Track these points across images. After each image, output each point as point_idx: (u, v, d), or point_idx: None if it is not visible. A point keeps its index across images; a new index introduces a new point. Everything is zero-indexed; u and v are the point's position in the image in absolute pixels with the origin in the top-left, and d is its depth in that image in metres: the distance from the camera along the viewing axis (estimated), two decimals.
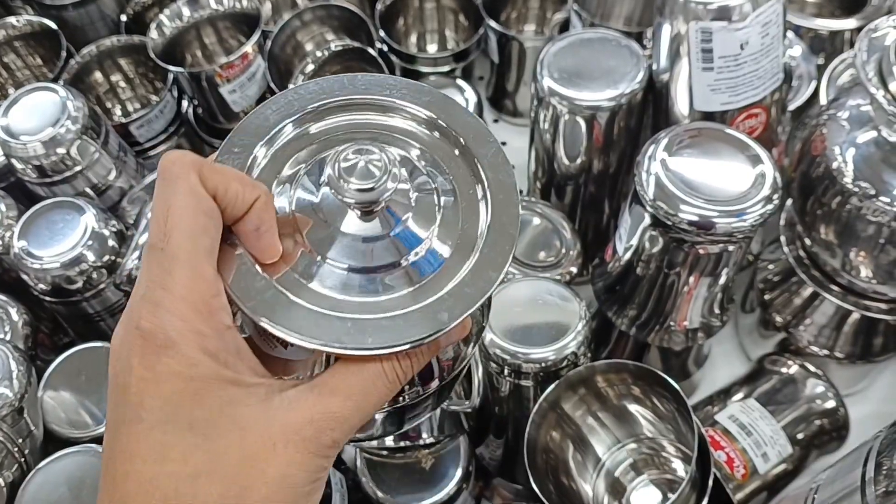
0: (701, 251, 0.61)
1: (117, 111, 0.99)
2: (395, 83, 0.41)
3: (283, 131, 0.39)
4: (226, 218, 0.34)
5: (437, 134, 0.40)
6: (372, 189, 0.35)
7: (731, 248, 0.60)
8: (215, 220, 0.33)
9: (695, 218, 0.59)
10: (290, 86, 0.80)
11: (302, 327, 0.33)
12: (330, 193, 0.36)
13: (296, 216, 0.37)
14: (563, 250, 0.74)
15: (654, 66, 0.71)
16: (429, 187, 0.38)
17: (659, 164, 0.61)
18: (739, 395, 0.73)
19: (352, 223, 0.36)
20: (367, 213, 0.36)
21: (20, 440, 0.63)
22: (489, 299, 0.44)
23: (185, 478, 0.30)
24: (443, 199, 0.38)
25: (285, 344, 0.37)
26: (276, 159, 0.39)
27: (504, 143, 1.00)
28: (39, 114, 0.76)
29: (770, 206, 0.59)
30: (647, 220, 0.62)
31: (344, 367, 0.34)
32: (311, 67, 0.79)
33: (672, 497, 0.57)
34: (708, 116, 0.68)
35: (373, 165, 0.35)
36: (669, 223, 0.60)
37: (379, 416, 0.42)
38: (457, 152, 0.39)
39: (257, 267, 0.35)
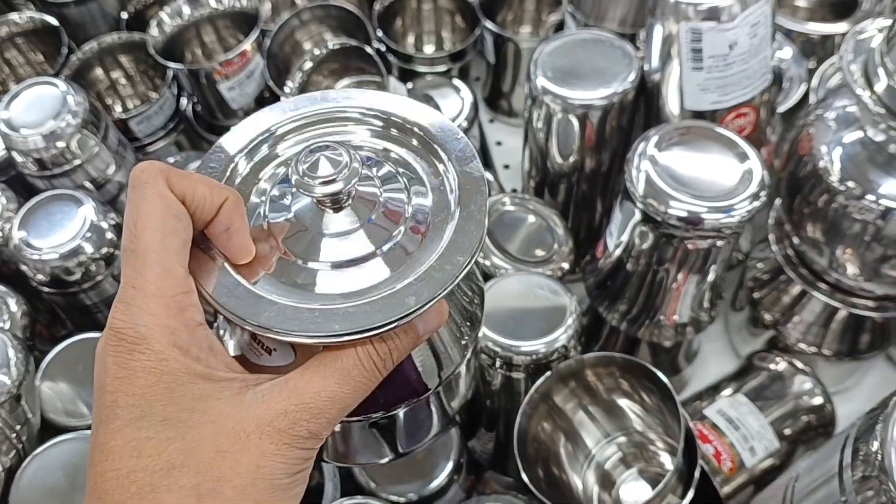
0: (690, 246, 0.62)
1: (117, 108, 1.00)
2: (365, 94, 0.42)
3: (258, 148, 0.41)
4: (197, 221, 0.35)
5: (405, 133, 0.41)
6: (334, 180, 0.36)
7: (719, 243, 0.62)
8: (184, 220, 0.34)
9: (684, 214, 0.60)
10: (284, 97, 0.81)
11: (269, 319, 0.34)
12: (300, 195, 0.37)
13: (270, 224, 0.38)
14: (556, 246, 0.75)
15: (646, 67, 0.72)
16: (396, 180, 0.39)
17: (649, 161, 0.62)
18: (728, 391, 0.74)
19: (324, 220, 0.37)
20: (336, 206, 0.37)
21: (18, 426, 0.63)
22: (477, 294, 0.45)
23: (159, 471, 0.31)
24: (412, 189, 0.39)
25: (269, 350, 0.38)
26: (253, 172, 0.40)
27: (499, 143, 1.02)
28: (40, 107, 0.77)
29: (757, 203, 0.61)
30: (637, 216, 0.63)
31: (319, 359, 0.34)
32: (309, 65, 0.80)
33: (658, 487, 0.58)
34: (698, 116, 0.69)
35: (332, 159, 0.36)
36: (659, 219, 0.61)
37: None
38: (423, 148, 0.40)
39: (229, 267, 0.36)
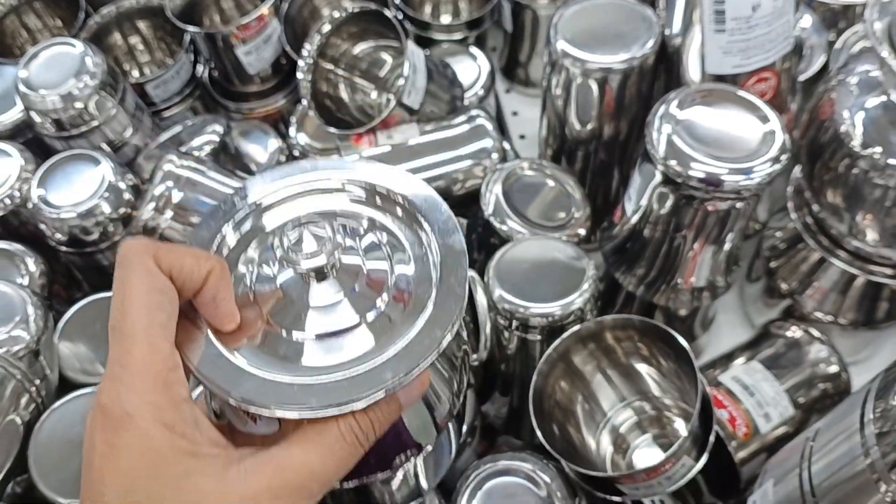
0: (710, 208, 0.61)
1: (135, 73, 1.00)
2: (353, 165, 0.44)
3: (246, 218, 0.42)
4: (184, 292, 0.36)
5: (389, 204, 0.42)
6: (318, 253, 0.37)
7: (738, 205, 0.61)
8: (170, 296, 0.35)
9: (704, 175, 0.59)
10: (301, 61, 0.81)
11: (248, 392, 0.35)
12: (284, 268, 0.38)
13: (256, 293, 0.39)
14: (573, 212, 0.75)
15: (667, 32, 0.72)
16: (379, 249, 0.40)
17: (670, 122, 0.62)
18: (743, 358, 0.74)
19: (308, 291, 0.38)
20: (321, 278, 0.38)
21: (37, 381, 0.64)
22: (462, 351, 0.46)
23: None
24: (395, 258, 0.40)
25: (255, 419, 0.38)
26: (241, 243, 0.42)
27: (515, 113, 1.01)
28: (58, 68, 0.78)
29: (778, 166, 0.60)
30: (658, 177, 0.62)
31: (302, 432, 0.35)
32: (327, 28, 0.80)
33: (673, 448, 0.58)
34: (719, 80, 0.68)
35: (316, 234, 0.37)
36: (679, 180, 0.60)
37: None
38: (407, 219, 0.41)
39: (213, 337, 0.37)
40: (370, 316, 0.38)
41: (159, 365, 0.33)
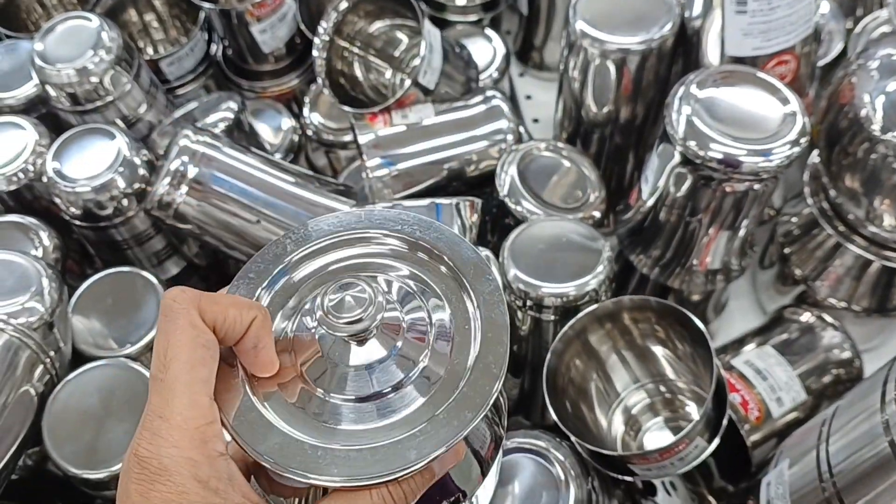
0: (728, 189, 0.61)
1: (149, 51, 1.00)
2: (407, 219, 0.42)
3: (298, 263, 0.41)
4: (226, 341, 0.36)
5: (442, 269, 0.40)
6: (360, 319, 0.36)
7: (756, 187, 0.61)
8: (212, 350, 0.35)
9: (723, 156, 0.59)
10: (316, 38, 0.81)
11: (271, 451, 0.35)
12: (322, 329, 0.37)
13: (295, 344, 0.39)
14: (588, 193, 0.74)
15: (687, 14, 0.72)
16: (422, 320, 0.39)
17: (689, 103, 0.61)
18: (755, 343, 0.74)
19: (348, 352, 0.37)
20: (360, 341, 0.37)
21: (51, 353, 0.64)
22: (498, 414, 0.44)
23: None
24: (434, 331, 0.39)
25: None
26: (286, 290, 0.41)
27: (529, 97, 1.01)
28: (74, 42, 0.77)
29: (797, 149, 0.60)
30: (676, 158, 0.62)
31: (334, 498, 0.35)
32: (344, 5, 0.79)
33: (686, 429, 0.58)
34: (739, 62, 0.68)
35: (356, 297, 0.36)
36: (698, 161, 0.60)
37: None
38: (456, 288, 0.40)
39: (249, 388, 0.37)
40: (405, 383, 0.37)
41: (198, 420, 0.34)
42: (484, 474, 0.43)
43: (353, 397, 0.37)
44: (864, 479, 0.45)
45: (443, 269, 0.41)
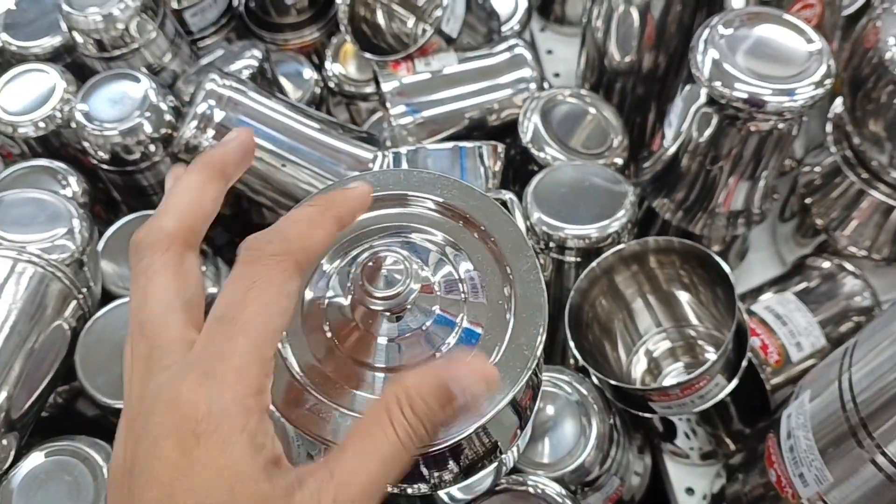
0: (752, 129, 0.61)
1: (173, 4, 1.00)
2: (447, 183, 0.41)
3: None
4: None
5: (476, 236, 0.40)
6: (397, 295, 0.35)
7: (781, 126, 0.61)
8: (293, 306, 0.33)
9: (748, 95, 0.59)
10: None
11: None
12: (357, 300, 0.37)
13: (330, 321, 0.38)
14: (611, 139, 0.75)
15: None
16: (456, 293, 0.38)
17: (714, 44, 0.61)
18: (775, 290, 0.74)
19: (382, 325, 0.37)
20: (397, 315, 0.37)
21: (84, 289, 0.65)
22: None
23: None
24: (467, 308, 0.38)
25: None
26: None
27: (550, 52, 1.01)
28: None
29: (821, 90, 0.60)
30: (702, 99, 0.63)
31: (355, 442, 0.32)
32: None
33: (706, 366, 0.59)
34: (764, 5, 0.68)
35: (393, 270, 0.36)
36: (723, 101, 0.60)
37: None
38: (493, 258, 0.39)
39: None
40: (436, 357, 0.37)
41: (260, 369, 0.31)
42: (522, 427, 0.42)
43: (388, 367, 0.37)
44: (889, 404, 0.46)
45: (476, 236, 0.40)
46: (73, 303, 0.64)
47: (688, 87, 0.64)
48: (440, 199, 0.41)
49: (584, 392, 0.60)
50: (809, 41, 0.61)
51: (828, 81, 0.60)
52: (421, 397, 0.32)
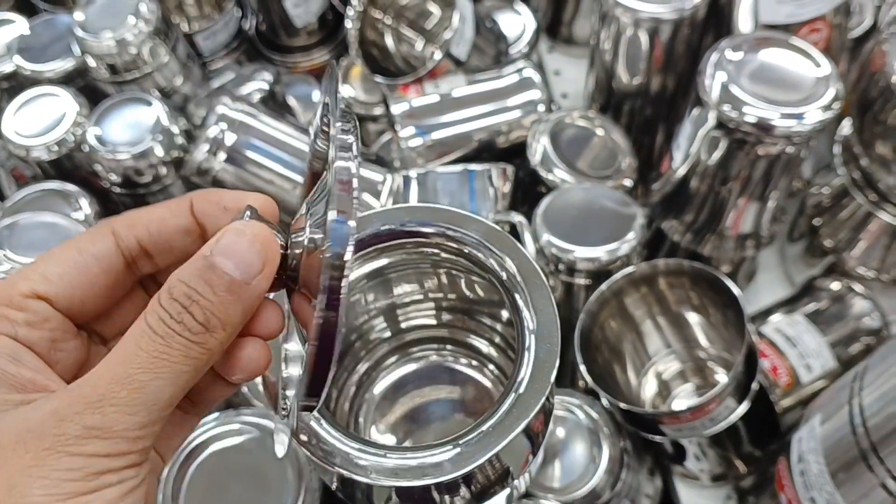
0: (760, 153, 0.62)
1: (183, 27, 1.01)
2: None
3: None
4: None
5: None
6: None
7: (789, 149, 0.62)
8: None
9: (757, 119, 0.60)
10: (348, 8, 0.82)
11: None
12: None
13: None
14: (620, 161, 0.75)
15: None
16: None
17: (723, 68, 0.62)
18: (785, 312, 0.74)
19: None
20: None
21: None
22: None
23: None
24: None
25: None
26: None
27: (557, 73, 1.01)
28: (114, 13, 0.79)
29: (829, 113, 0.61)
30: (710, 122, 0.63)
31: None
32: None
33: (716, 389, 0.59)
34: (772, 30, 0.69)
35: None
36: (732, 125, 0.61)
37: None
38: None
39: None
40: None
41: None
42: (534, 452, 0.41)
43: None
44: None
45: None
46: None
47: (696, 110, 0.65)
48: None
49: (595, 416, 0.60)
50: (817, 65, 0.62)
51: (836, 105, 0.61)
52: (181, 280, 0.27)
